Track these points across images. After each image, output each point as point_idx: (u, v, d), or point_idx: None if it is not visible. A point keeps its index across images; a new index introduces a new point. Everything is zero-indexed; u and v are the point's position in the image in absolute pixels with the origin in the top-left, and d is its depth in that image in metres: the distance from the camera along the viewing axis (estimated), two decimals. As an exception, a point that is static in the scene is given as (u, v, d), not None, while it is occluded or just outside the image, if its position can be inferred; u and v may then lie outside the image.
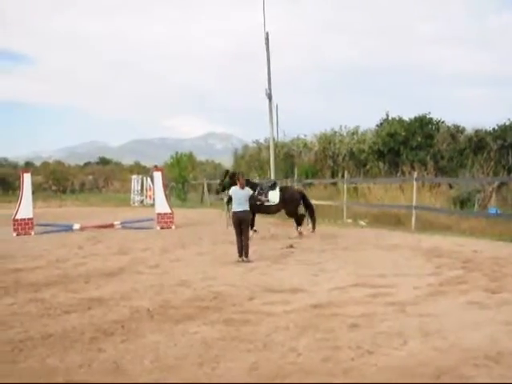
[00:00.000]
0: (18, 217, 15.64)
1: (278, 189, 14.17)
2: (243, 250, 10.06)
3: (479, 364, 4.34)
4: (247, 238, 10.23)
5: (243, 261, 9.89)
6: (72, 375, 4.30)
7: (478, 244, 11.26)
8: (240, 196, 10.37)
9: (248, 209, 10.38)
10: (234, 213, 10.31)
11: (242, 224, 10.21)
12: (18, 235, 15.23)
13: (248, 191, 10.66)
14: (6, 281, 8.35)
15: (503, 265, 8.83)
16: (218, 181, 15.18)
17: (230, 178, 13.30)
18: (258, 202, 13.55)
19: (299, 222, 14.11)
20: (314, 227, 14.20)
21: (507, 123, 22.44)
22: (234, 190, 10.49)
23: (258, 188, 13.92)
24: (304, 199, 14.52)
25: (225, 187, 13.68)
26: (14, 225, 15.49)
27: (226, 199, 11.69)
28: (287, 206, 14.17)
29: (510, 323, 5.46)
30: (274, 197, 13.93)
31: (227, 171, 14.63)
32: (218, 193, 14.88)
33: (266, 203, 13.89)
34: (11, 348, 5.01)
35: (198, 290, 7.47)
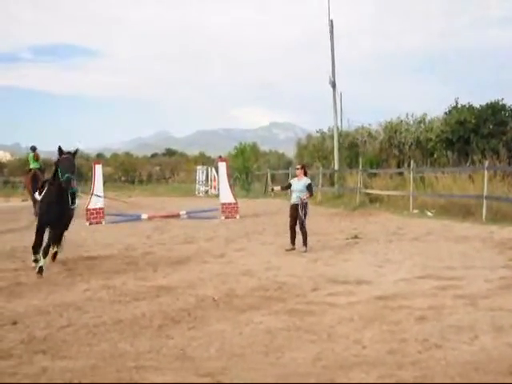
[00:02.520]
0: (90, 206, 16.32)
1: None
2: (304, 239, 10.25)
3: (556, 362, 4.14)
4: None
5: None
6: (141, 360, 4.46)
7: (556, 236, 10.68)
8: None
9: None
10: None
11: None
12: (90, 224, 15.90)
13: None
14: (80, 268, 8.75)
15: None
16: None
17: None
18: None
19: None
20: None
21: None
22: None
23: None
24: None
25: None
26: (87, 214, 16.17)
27: None
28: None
29: None
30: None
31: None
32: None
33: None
34: (86, 332, 5.26)
35: (263, 280, 7.54)
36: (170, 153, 65.10)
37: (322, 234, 12.44)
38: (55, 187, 8.22)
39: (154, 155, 65.42)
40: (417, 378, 3.93)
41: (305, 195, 10.27)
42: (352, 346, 4.68)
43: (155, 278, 7.90)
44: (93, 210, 16.32)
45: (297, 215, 10.20)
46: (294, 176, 10.70)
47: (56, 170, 8.21)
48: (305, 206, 10.26)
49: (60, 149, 8.25)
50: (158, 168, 51.98)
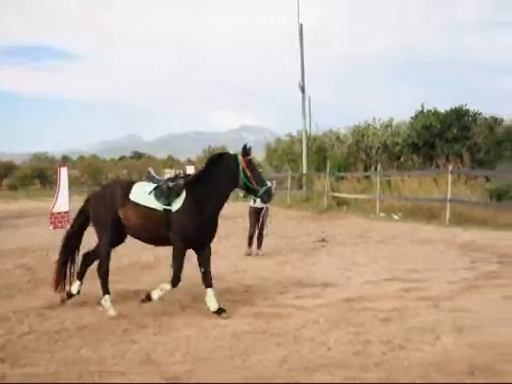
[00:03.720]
0: (55, 210, 15.97)
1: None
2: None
3: (515, 361, 4.24)
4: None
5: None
6: (105, 365, 4.39)
7: (516, 238, 10.97)
8: None
9: None
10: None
11: None
12: (54, 228, 15.56)
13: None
14: (43, 273, 8.55)
15: (541, 260, 8.58)
16: None
17: None
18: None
19: None
20: None
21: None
22: None
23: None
24: None
25: None
26: (51, 218, 15.83)
27: None
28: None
29: (548, 319, 5.32)
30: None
31: None
32: None
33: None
34: (48, 338, 5.14)
35: (230, 283, 7.52)
36: (137, 155, 64.42)
37: (290, 237, 12.49)
38: (212, 194, 6.07)
39: (121, 158, 64.63)
40: (381, 379, 3.98)
41: None
42: (318, 348, 4.71)
43: (121, 282, 7.77)
44: (57, 213, 15.97)
45: (259, 219, 10.21)
46: None
47: (222, 173, 6.11)
48: (267, 209, 10.32)
49: (245, 148, 6.15)
50: (125, 171, 51.29)
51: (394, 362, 4.32)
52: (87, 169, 47.68)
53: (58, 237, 13.36)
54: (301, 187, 24.89)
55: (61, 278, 6.45)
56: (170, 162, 51.99)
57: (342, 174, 22.49)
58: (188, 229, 5.99)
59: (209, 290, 6.07)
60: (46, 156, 57.05)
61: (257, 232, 10.27)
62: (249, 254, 10.08)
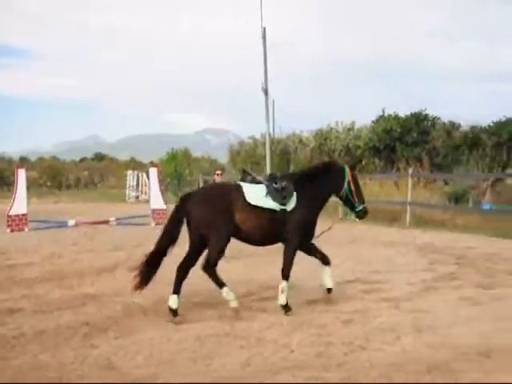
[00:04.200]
0: (12, 213, 15.53)
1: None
2: None
3: (470, 359, 4.37)
4: None
5: None
6: (64, 371, 4.30)
7: (472, 240, 11.31)
8: None
9: None
10: None
11: None
12: (11, 231, 15.17)
13: None
14: (1, 276, 8.32)
15: (496, 261, 8.86)
16: None
17: None
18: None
19: None
20: None
21: (503, 120, 22.62)
22: None
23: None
24: None
25: None
26: (8, 221, 15.40)
27: None
28: None
29: (502, 319, 5.50)
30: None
31: None
32: None
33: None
34: (3, 344, 5.00)
35: (193, 287, 7.45)
36: (99, 157, 63.34)
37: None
38: (317, 197, 6.68)
39: (82, 159, 63.44)
40: (342, 380, 4.03)
41: None
42: (280, 350, 4.74)
43: (81, 286, 7.64)
44: (15, 216, 15.55)
45: None
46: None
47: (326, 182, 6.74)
48: None
49: (355, 164, 6.70)
50: (86, 173, 50.34)
51: (355, 362, 4.38)
52: (46, 170, 46.56)
53: (15, 239, 13.09)
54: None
55: (146, 273, 6.25)
56: (133, 163, 51.33)
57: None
58: (306, 225, 6.49)
59: (327, 267, 6.65)
60: (3, 156, 55.50)
61: None
62: None
